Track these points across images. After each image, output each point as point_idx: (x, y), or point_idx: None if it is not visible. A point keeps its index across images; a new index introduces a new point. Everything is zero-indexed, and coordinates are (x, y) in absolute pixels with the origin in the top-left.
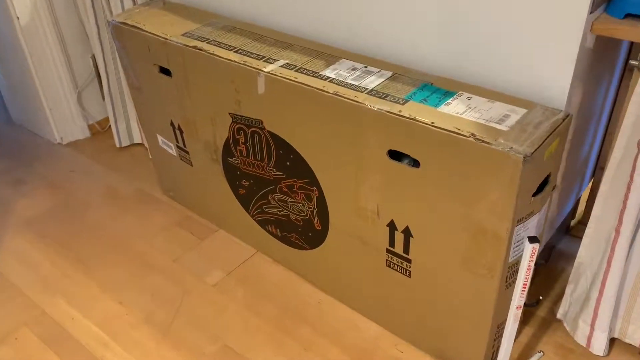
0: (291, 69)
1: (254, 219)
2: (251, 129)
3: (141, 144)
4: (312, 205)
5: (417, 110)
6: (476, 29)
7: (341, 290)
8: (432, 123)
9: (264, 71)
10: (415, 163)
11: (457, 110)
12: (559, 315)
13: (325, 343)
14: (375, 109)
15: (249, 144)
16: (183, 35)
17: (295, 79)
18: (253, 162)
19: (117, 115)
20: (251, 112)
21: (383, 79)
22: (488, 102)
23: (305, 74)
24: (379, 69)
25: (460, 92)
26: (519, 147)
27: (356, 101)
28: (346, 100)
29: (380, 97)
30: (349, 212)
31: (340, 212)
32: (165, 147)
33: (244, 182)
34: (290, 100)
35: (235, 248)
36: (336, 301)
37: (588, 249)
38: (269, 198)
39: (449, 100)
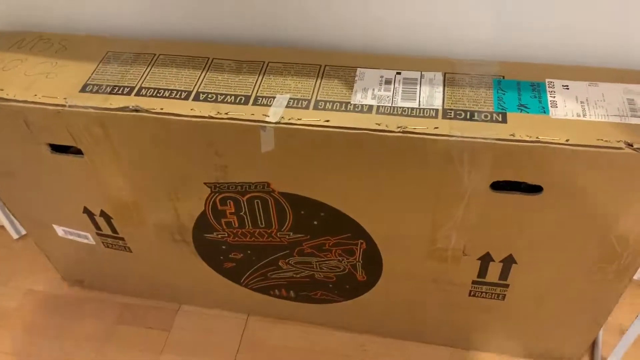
0: (306, 108)
1: (248, 288)
2: (248, 195)
3: None
4: (356, 258)
5: (528, 126)
6: None
7: (393, 329)
8: (567, 141)
9: (270, 123)
10: (530, 187)
11: (574, 112)
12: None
13: None
14: (477, 139)
15: (245, 213)
16: (84, 91)
17: (327, 123)
18: (251, 231)
19: None
20: (248, 176)
21: (441, 87)
22: (592, 87)
23: (332, 109)
24: (418, 71)
25: (548, 79)
26: None
27: (441, 135)
28: (425, 137)
29: (465, 119)
30: (418, 257)
31: (401, 260)
32: (72, 237)
33: (235, 255)
34: (319, 152)
35: (219, 323)
36: (381, 338)
37: None
38: (280, 264)
39: (550, 98)
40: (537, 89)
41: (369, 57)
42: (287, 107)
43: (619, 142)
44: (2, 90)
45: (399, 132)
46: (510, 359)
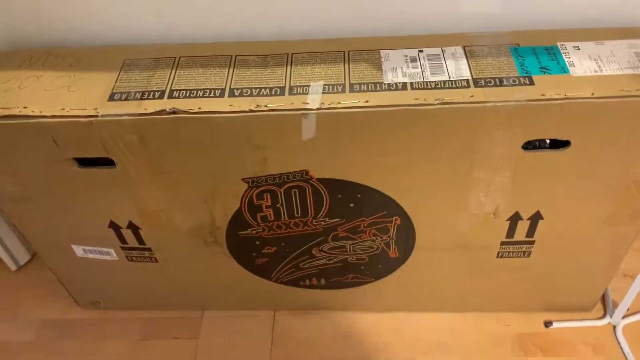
0: (342, 92)
1: (278, 282)
2: (286, 186)
3: None
4: (390, 236)
5: (554, 86)
6: None
7: (420, 303)
8: (593, 95)
9: (311, 110)
10: (557, 142)
11: (592, 69)
12: None
13: None
14: (511, 103)
15: (281, 204)
16: (112, 99)
17: (368, 104)
18: (287, 222)
19: None
20: (287, 166)
21: (464, 60)
22: (599, 46)
23: (368, 90)
24: (438, 47)
25: (559, 43)
26: None
27: (478, 102)
28: (463, 105)
29: (496, 85)
30: (451, 226)
31: (435, 231)
32: (92, 255)
33: (268, 249)
34: (358, 134)
35: (247, 323)
36: (408, 314)
37: None
38: (313, 252)
39: (566, 59)
40: (552, 52)
41: (386, 39)
42: (323, 93)
43: (636, 90)
44: (26, 107)
45: (437, 104)
46: (530, 314)
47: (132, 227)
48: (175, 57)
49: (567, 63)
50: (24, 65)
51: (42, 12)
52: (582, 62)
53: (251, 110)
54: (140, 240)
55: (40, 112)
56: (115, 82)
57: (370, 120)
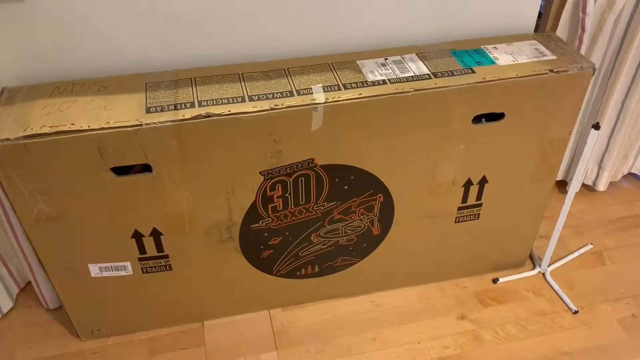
0: (339, 90)
1: (278, 275)
2: (295, 175)
3: None
4: (374, 213)
5: (490, 72)
6: None
7: (394, 280)
8: (517, 75)
9: (320, 103)
10: (495, 116)
11: (511, 60)
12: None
13: (402, 332)
14: (464, 85)
15: (289, 193)
16: (149, 112)
17: (362, 96)
18: (292, 210)
19: None
20: (297, 156)
21: (422, 62)
22: (510, 46)
23: (358, 87)
24: (399, 56)
25: (482, 46)
26: (584, 64)
27: (441, 87)
28: (431, 90)
29: (450, 76)
30: (421, 197)
31: (409, 203)
32: (107, 273)
33: (274, 241)
34: (355, 121)
35: (246, 324)
36: (385, 292)
37: None
38: (311, 238)
39: (491, 55)
40: (480, 52)
41: (356, 54)
42: (324, 92)
43: (544, 70)
44: (73, 124)
45: (412, 91)
46: (480, 276)
47: (155, 233)
48: (191, 78)
49: (492, 58)
50: (54, 94)
51: (58, 50)
52: (503, 57)
53: (272, 109)
54: (159, 247)
55: (88, 126)
56: (146, 100)
57: (364, 108)
